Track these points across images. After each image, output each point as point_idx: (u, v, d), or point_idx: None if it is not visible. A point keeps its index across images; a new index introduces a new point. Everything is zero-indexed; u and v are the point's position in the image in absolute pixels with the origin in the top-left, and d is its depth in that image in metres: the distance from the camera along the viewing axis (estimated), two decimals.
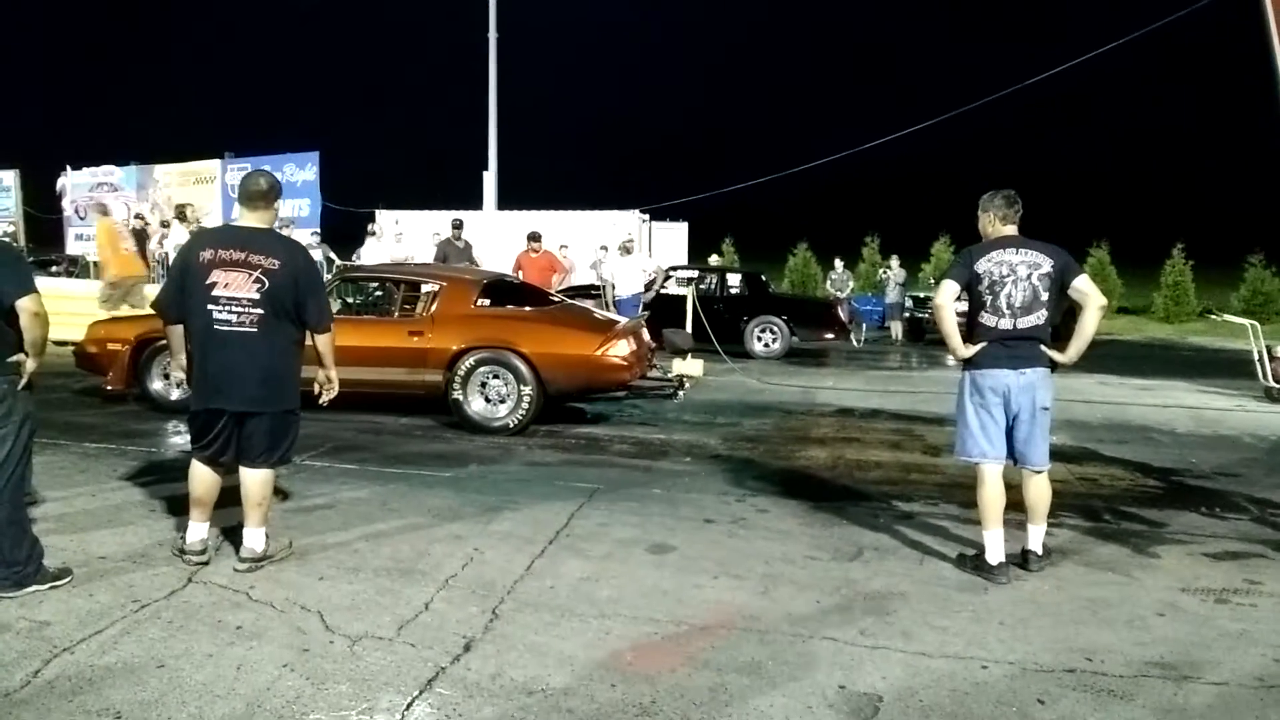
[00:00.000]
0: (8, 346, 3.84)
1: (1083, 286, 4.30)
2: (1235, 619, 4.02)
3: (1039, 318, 4.30)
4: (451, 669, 3.35)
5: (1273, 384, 10.48)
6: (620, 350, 7.75)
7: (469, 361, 7.68)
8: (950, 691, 3.28)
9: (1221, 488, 6.45)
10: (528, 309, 8.49)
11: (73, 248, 22.71)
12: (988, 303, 4.31)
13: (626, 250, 13.86)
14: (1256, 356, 10.72)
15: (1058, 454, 7.44)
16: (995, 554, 4.39)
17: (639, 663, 3.47)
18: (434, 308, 8.01)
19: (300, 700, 3.09)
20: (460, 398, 7.69)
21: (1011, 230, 4.42)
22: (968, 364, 4.41)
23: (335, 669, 3.32)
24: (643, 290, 13.73)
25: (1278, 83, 11.43)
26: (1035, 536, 4.56)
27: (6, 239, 16.86)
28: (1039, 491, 4.53)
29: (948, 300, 4.38)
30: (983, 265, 4.31)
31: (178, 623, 3.69)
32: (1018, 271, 4.28)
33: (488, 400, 7.73)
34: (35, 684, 3.16)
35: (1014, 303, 4.28)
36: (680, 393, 8.66)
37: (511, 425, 7.61)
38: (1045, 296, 4.29)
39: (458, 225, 14.13)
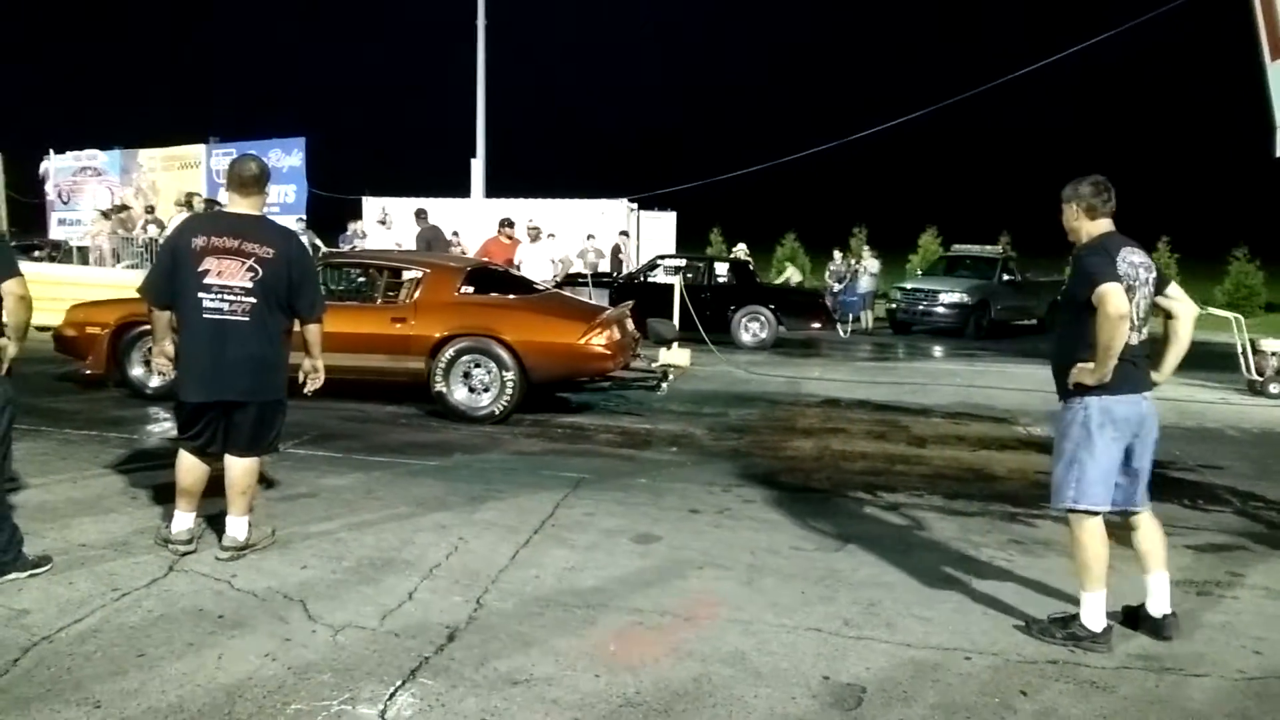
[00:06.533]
0: None
1: (1177, 294, 3.72)
2: (1217, 611, 4.04)
3: (1148, 331, 3.66)
4: (435, 659, 3.34)
5: (1256, 377, 10.55)
6: (603, 339, 7.73)
7: (452, 349, 7.64)
8: (934, 682, 3.29)
9: (1204, 480, 6.49)
10: (511, 297, 8.45)
11: (56, 232, 22.54)
12: None
13: (533, 236, 13.51)
14: (1240, 350, 10.78)
15: (1044, 446, 7.48)
16: (1099, 617, 3.62)
17: (623, 653, 3.46)
18: (417, 294, 7.97)
19: (282, 690, 3.07)
20: (443, 385, 7.65)
21: (1108, 225, 3.69)
22: (1093, 388, 3.55)
23: (317, 659, 3.30)
24: (552, 281, 13.54)
25: (1264, 78, 11.50)
26: (1163, 588, 3.73)
27: None
28: (1157, 529, 3.79)
29: (1129, 308, 3.45)
30: (1121, 265, 3.52)
31: (158, 611, 3.66)
32: (1140, 275, 3.58)
33: (471, 388, 7.70)
34: (14, 673, 3.13)
35: (1140, 313, 3.56)
36: (664, 385, 8.64)
37: (495, 414, 7.58)
38: (1152, 306, 3.67)
39: (420, 214, 14.36)
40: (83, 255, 19.24)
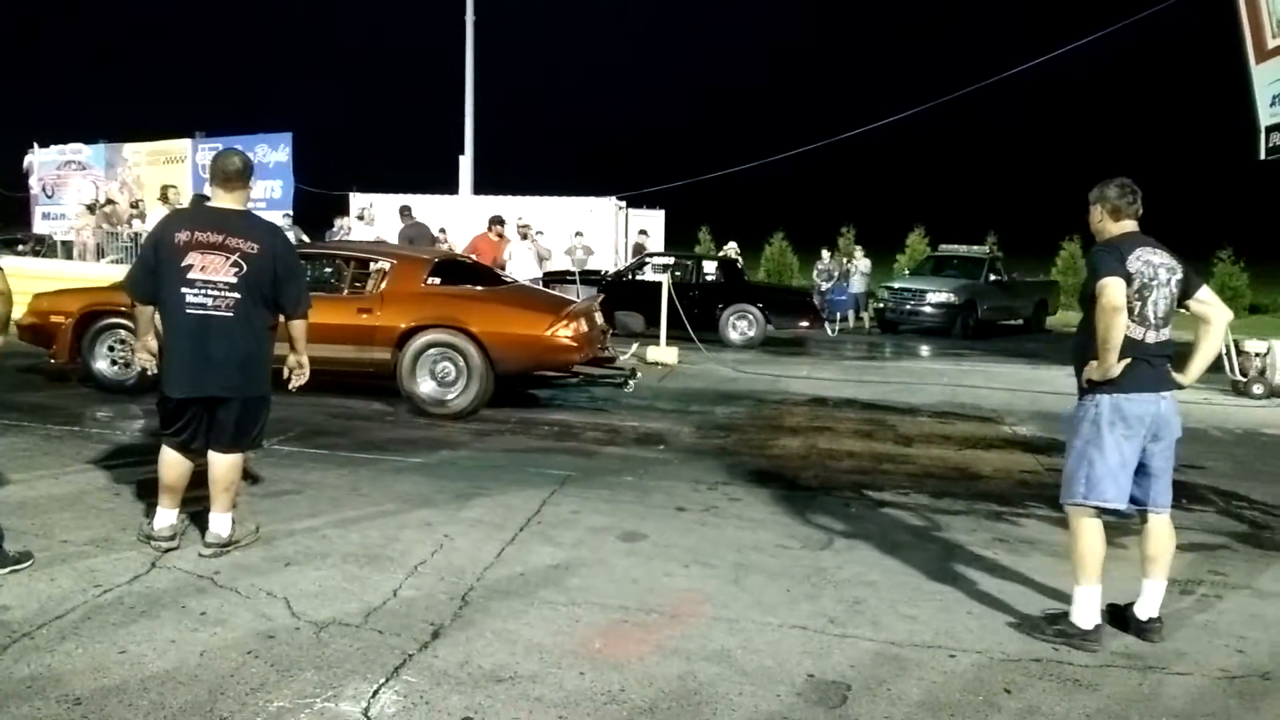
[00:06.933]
0: None
1: (1208, 298, 3.75)
2: (1200, 610, 4.07)
3: (1170, 331, 3.67)
4: (419, 656, 3.32)
5: (1239, 378, 10.62)
6: (570, 331, 7.71)
7: (418, 340, 7.62)
8: (918, 680, 3.29)
9: (1188, 480, 6.51)
10: (479, 288, 8.43)
11: (40, 226, 22.37)
12: (1135, 310, 3.57)
13: (523, 234, 13.70)
14: (1224, 350, 10.85)
15: (1030, 445, 7.53)
16: (1090, 615, 3.65)
17: (608, 650, 3.45)
18: (384, 285, 7.94)
19: (265, 687, 3.05)
20: (409, 377, 7.62)
21: (1132, 226, 3.73)
22: (1103, 385, 3.60)
23: (301, 656, 3.29)
24: (539, 275, 13.69)
25: (1249, 80, 11.57)
26: (1157, 595, 3.76)
27: None
28: (1169, 537, 3.78)
29: (1124, 302, 3.49)
30: (1133, 264, 3.57)
31: (140, 608, 3.63)
32: (1159, 275, 3.61)
33: (437, 381, 7.67)
34: None
35: (1158, 312, 3.60)
36: (631, 381, 8.60)
37: (461, 406, 7.56)
38: (1174, 307, 3.69)
39: (405, 210, 14.34)
40: (67, 250, 19.10)
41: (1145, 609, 3.73)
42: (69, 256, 18.23)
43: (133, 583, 3.88)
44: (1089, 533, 3.67)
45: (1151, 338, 3.60)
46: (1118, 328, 3.46)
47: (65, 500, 4.97)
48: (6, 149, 23.78)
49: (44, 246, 19.71)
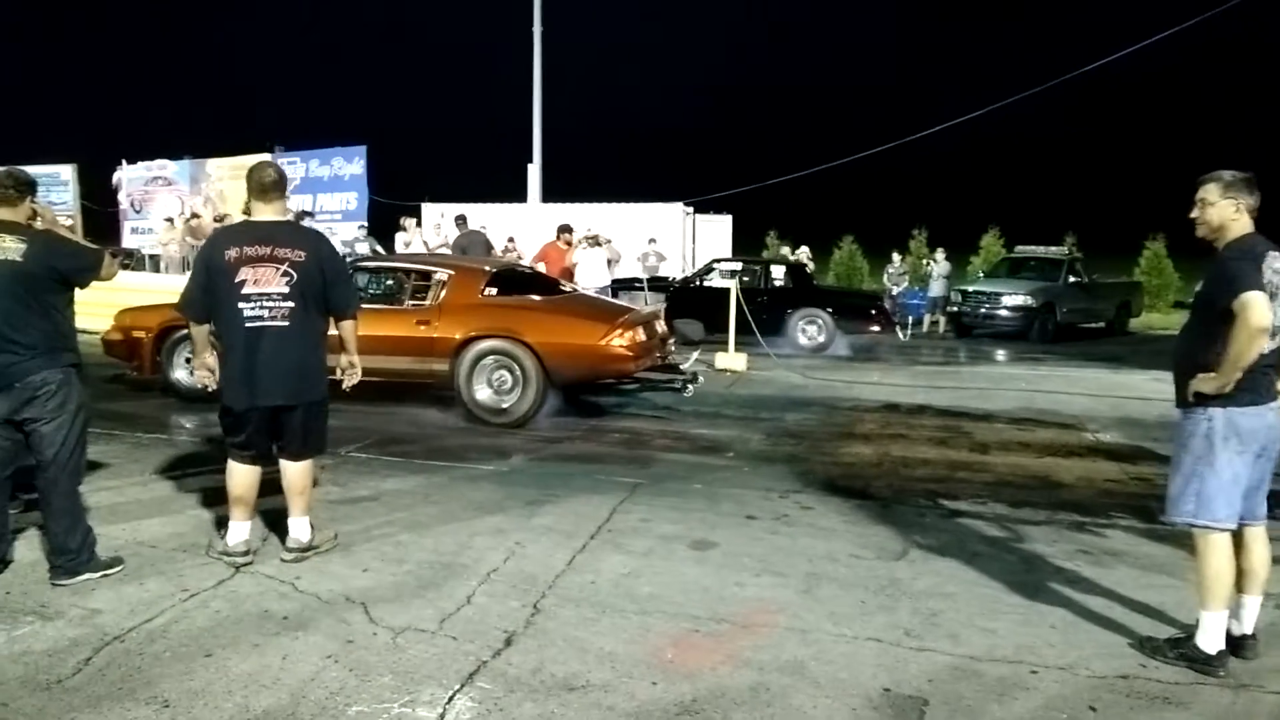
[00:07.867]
0: (65, 337, 3.95)
1: None
2: None
3: None
4: (493, 663, 3.36)
5: None
6: (625, 340, 7.71)
7: (474, 350, 7.72)
8: (999, 696, 3.21)
9: (1274, 487, 6.24)
10: (535, 298, 8.49)
11: (128, 241, 23.23)
12: None
13: (595, 243, 13.74)
14: None
15: (1113, 453, 7.30)
16: (1216, 640, 3.45)
17: (680, 660, 3.44)
18: (441, 297, 8.06)
19: (344, 692, 3.11)
20: (466, 387, 7.72)
21: (1251, 225, 3.48)
22: (1215, 399, 3.39)
23: (378, 661, 3.35)
24: (609, 283, 13.65)
25: None
26: (1253, 611, 3.59)
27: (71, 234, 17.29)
28: (1266, 549, 3.59)
29: (1270, 322, 3.25)
30: (1266, 273, 3.32)
31: (225, 612, 3.74)
32: (1276, 281, 3.39)
33: (494, 390, 7.76)
34: (86, 671, 3.22)
35: (1276, 320, 3.33)
36: (690, 387, 8.55)
37: (517, 415, 7.62)
38: None
39: (461, 220, 14.51)
40: (155, 263, 19.82)
41: (1240, 626, 3.57)
42: (156, 270, 18.92)
43: (218, 587, 4.00)
44: (1216, 554, 3.45)
45: (1269, 347, 3.37)
46: (1258, 348, 3.24)
47: (154, 506, 5.16)
48: (98, 166, 24.73)
49: (133, 260, 20.47)
